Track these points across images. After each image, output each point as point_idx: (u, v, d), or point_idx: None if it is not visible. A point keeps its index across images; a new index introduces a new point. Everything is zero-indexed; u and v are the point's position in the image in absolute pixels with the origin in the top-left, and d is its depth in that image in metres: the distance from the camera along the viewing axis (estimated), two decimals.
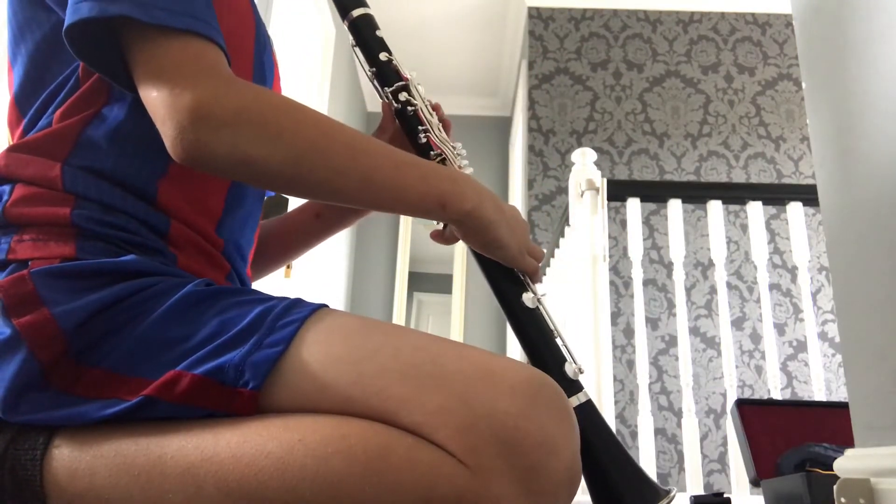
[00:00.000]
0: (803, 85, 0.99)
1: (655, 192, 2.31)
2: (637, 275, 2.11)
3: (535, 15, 3.66)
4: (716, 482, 2.83)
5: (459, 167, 0.73)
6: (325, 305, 0.56)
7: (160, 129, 0.54)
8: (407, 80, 0.77)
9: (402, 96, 0.76)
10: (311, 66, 2.98)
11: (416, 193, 0.60)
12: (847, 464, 0.81)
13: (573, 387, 0.63)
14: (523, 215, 3.38)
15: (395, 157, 0.61)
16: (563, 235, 2.38)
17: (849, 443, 0.85)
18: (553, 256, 2.61)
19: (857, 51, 0.85)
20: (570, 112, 3.49)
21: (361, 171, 0.58)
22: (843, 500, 0.76)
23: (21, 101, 0.63)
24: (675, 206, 2.10)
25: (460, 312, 4.21)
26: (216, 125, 0.53)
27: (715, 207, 2.09)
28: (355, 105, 4.14)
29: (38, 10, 0.61)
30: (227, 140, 0.53)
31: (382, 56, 0.76)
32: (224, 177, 0.64)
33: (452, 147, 0.75)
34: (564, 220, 2.34)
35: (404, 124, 0.76)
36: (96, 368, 0.52)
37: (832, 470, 0.87)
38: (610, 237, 3.10)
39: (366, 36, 0.78)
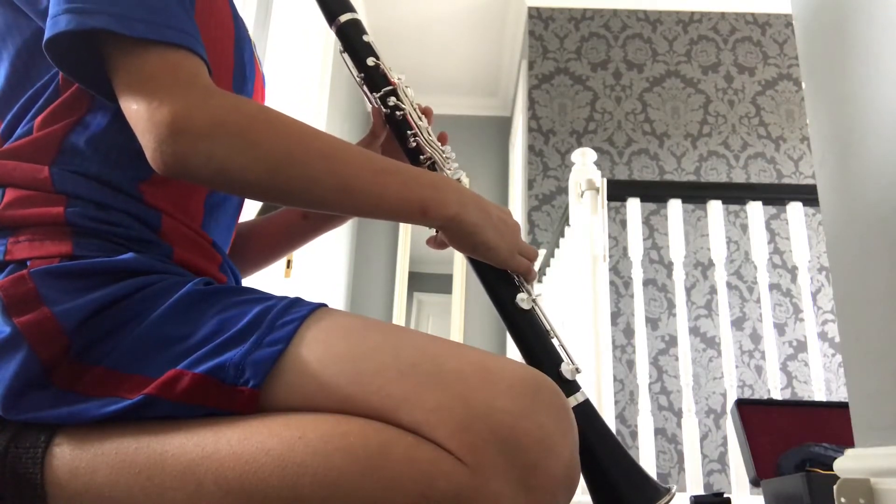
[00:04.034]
0: (803, 85, 0.99)
1: (655, 192, 2.31)
2: (637, 275, 2.11)
3: (535, 15, 3.66)
4: (716, 482, 2.83)
5: (449, 170, 0.74)
6: (324, 305, 0.56)
7: (140, 141, 0.55)
8: (395, 84, 0.77)
9: (391, 101, 0.76)
10: (311, 66, 2.98)
11: (395, 200, 0.60)
12: (847, 464, 0.81)
13: (570, 387, 0.63)
14: (523, 215, 3.38)
15: (375, 165, 0.61)
16: (563, 235, 2.38)
17: (849, 443, 0.85)
18: (553, 256, 2.61)
19: (857, 51, 0.85)
20: (570, 112, 3.50)
21: (339, 179, 0.58)
22: (843, 500, 0.76)
23: None
24: (675, 206, 2.10)
25: (460, 312, 4.21)
26: (193, 138, 0.53)
27: (715, 207, 2.09)
28: (356, 106, 4.14)
29: (20, 16, 0.61)
30: (205, 152, 0.53)
31: (370, 61, 0.76)
32: (205, 186, 0.65)
33: (442, 151, 0.75)
34: (564, 220, 2.34)
35: (394, 129, 0.77)
36: (97, 367, 0.52)
37: (832, 470, 0.87)
38: (610, 237, 3.10)
39: (353, 41, 0.78)
